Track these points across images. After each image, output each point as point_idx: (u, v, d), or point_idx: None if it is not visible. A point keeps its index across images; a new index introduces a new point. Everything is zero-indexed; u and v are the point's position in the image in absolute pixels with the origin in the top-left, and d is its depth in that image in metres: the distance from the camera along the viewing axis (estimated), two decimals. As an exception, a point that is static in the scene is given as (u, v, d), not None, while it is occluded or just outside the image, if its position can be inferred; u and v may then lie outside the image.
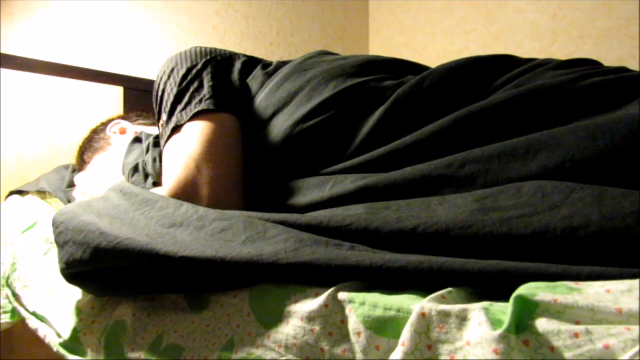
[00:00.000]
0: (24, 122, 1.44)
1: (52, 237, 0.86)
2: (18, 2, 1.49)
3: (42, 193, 1.21)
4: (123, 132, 1.15)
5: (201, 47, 0.83)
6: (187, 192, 0.69)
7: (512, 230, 0.43)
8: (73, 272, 0.62)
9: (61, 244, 0.62)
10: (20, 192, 1.24)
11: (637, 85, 0.56)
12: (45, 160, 1.45)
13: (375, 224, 0.49)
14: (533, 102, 0.58)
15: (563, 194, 0.46)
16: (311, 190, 0.65)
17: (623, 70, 0.61)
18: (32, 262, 0.88)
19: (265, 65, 0.84)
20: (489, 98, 0.62)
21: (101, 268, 0.59)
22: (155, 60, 1.82)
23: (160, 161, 0.83)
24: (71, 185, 1.20)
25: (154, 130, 1.15)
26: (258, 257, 0.48)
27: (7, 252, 0.96)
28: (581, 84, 0.58)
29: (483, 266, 0.40)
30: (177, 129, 0.75)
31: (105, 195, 0.72)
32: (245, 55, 0.88)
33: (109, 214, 0.64)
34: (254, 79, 0.82)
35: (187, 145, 0.72)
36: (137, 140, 0.98)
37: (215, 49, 0.84)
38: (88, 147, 1.16)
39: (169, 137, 0.75)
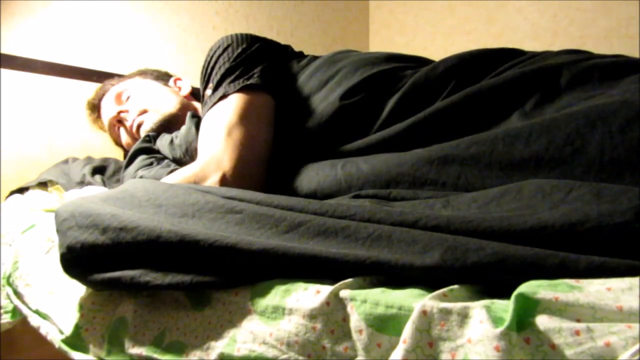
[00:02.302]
0: (24, 122, 1.44)
1: (53, 236, 0.87)
2: (18, 2, 1.49)
3: (42, 185, 1.22)
4: (179, 88, 1.27)
5: (256, 35, 0.92)
6: (215, 152, 0.77)
7: (511, 226, 0.43)
8: (73, 257, 0.61)
9: (64, 231, 0.62)
10: (20, 191, 1.24)
11: (631, 66, 0.61)
12: (45, 160, 1.45)
13: (378, 215, 0.49)
14: (537, 79, 0.66)
15: (562, 192, 0.46)
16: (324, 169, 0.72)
17: (619, 56, 0.68)
18: (34, 261, 0.88)
19: (299, 60, 0.94)
20: (499, 76, 0.69)
21: (103, 255, 0.59)
22: (155, 60, 1.82)
23: (197, 131, 0.92)
24: (82, 181, 1.21)
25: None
26: (269, 247, 0.49)
27: (7, 252, 0.96)
28: (582, 64, 0.64)
29: (484, 254, 0.40)
30: (222, 97, 0.83)
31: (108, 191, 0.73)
32: (288, 46, 1.01)
33: (116, 199, 0.65)
34: (290, 70, 0.91)
35: (226, 112, 0.81)
36: (141, 151, 1.03)
37: (268, 39, 0.94)
38: (152, 71, 1.32)
39: (214, 104, 0.83)
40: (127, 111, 1.21)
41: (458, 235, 0.44)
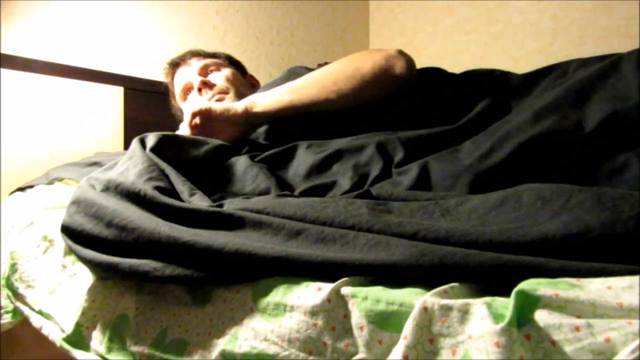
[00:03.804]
0: (23, 122, 1.44)
1: (50, 235, 0.87)
2: (18, 2, 1.49)
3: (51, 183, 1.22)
4: (253, 85, 1.38)
5: None
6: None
7: (511, 239, 0.43)
8: (75, 237, 0.67)
9: (70, 213, 0.69)
10: (22, 189, 1.24)
11: (627, 53, 0.73)
12: (45, 161, 1.45)
13: (377, 226, 0.49)
14: (554, 68, 0.86)
15: (561, 198, 0.46)
16: None
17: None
18: (32, 262, 0.88)
19: None
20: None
21: (105, 244, 0.62)
22: (155, 60, 1.83)
23: None
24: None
25: None
26: (271, 253, 0.50)
27: (6, 252, 0.96)
28: (588, 57, 0.86)
29: (484, 259, 0.40)
30: None
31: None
32: None
33: (116, 185, 0.68)
34: None
35: None
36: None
37: None
38: (236, 61, 1.43)
39: None
40: (211, 84, 1.26)
41: (457, 247, 0.44)
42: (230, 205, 0.62)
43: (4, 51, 1.43)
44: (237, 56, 1.52)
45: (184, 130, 0.99)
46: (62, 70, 1.52)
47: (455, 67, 2.41)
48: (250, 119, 0.97)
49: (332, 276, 0.46)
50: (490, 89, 0.87)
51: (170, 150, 0.82)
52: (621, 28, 1.97)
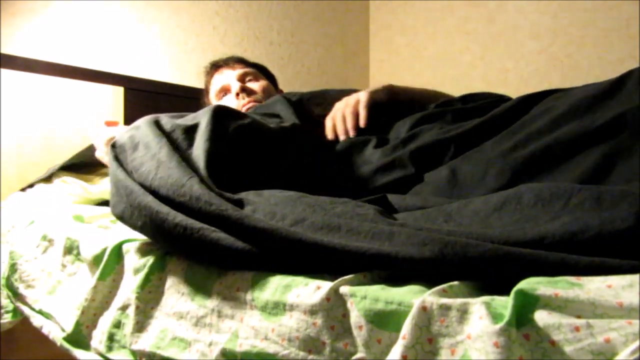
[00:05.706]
0: (23, 122, 1.44)
1: (49, 235, 0.87)
2: (18, 2, 1.49)
3: (47, 179, 1.22)
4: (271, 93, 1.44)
5: None
6: None
7: (510, 238, 0.43)
8: (122, 149, 0.73)
9: (130, 133, 0.75)
10: (22, 189, 1.24)
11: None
12: (45, 161, 1.45)
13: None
14: (560, 90, 0.85)
15: (562, 199, 0.47)
16: None
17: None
18: (32, 262, 0.88)
19: None
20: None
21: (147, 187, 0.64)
22: (155, 60, 1.83)
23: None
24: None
25: None
26: (275, 227, 0.52)
27: (6, 252, 0.96)
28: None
29: (484, 249, 0.40)
30: None
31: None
32: None
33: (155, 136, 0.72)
34: None
35: None
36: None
37: None
38: (271, 74, 1.53)
39: None
40: (250, 90, 1.37)
41: None
42: (247, 196, 0.62)
43: (4, 51, 1.43)
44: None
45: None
46: (62, 70, 1.53)
47: (455, 67, 2.41)
48: (391, 96, 1.13)
49: (333, 263, 0.47)
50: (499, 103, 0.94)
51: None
52: (621, 28, 1.97)
